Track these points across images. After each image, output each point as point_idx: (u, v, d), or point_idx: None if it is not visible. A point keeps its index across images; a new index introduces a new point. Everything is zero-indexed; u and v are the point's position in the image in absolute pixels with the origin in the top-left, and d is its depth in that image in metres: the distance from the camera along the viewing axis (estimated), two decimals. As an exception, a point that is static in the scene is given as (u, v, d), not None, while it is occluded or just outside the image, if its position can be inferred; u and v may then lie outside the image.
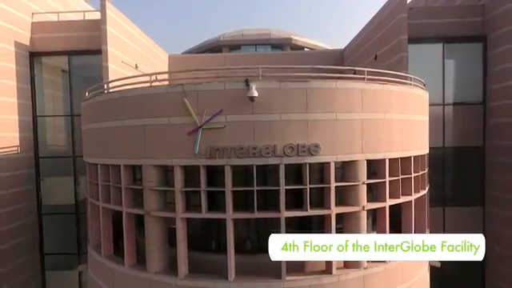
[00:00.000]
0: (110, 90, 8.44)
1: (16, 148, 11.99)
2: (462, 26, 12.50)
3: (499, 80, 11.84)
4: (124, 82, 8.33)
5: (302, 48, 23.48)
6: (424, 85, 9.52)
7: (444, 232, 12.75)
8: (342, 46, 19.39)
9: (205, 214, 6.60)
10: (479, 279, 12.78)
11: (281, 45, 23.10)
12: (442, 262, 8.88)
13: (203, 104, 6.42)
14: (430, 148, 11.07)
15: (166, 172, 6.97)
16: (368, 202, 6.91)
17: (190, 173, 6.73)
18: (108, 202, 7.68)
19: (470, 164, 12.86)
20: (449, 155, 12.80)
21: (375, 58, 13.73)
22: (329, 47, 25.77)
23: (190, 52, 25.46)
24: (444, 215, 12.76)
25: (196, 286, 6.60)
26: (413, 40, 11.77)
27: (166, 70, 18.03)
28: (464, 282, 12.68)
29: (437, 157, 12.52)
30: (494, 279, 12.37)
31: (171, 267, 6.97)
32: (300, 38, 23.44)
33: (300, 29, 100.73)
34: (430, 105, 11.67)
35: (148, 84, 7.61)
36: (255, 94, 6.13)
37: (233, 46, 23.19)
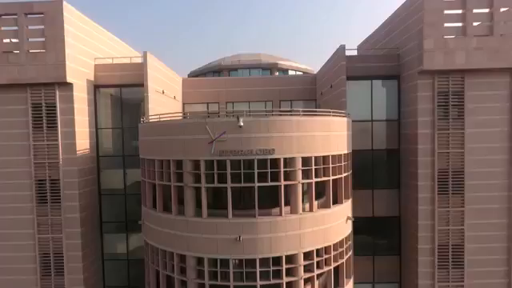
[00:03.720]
0: (150, 117, 14.66)
1: (87, 150, 18.10)
2: (384, 68, 18.74)
3: (407, 105, 18.00)
4: (171, 116, 14.50)
5: (286, 70, 29.64)
6: (347, 114, 15.62)
7: (373, 205, 19.11)
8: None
9: (216, 185, 12.73)
10: (396, 228, 18.90)
11: (270, 68, 29.25)
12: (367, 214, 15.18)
13: (215, 128, 12.51)
14: (362, 150, 17.48)
15: (195, 164, 13.06)
16: (302, 179, 13.05)
17: (208, 164, 12.83)
18: (161, 181, 13.81)
19: (390, 160, 19.07)
20: (376, 154, 19.01)
21: (331, 86, 19.91)
22: (309, 68, 31.94)
23: (195, 73, 31.61)
24: (373, 195, 19.01)
25: (211, 221, 12.76)
26: (351, 78, 17.92)
27: (181, 90, 24.05)
28: (385, 230, 18.93)
29: (368, 156, 18.86)
30: (407, 228, 18.57)
31: (197, 214, 13.10)
32: (285, 63, 29.58)
33: (292, 50, 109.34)
34: (362, 121, 18.13)
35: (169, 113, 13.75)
36: (242, 124, 12.24)
37: (231, 68, 29.36)
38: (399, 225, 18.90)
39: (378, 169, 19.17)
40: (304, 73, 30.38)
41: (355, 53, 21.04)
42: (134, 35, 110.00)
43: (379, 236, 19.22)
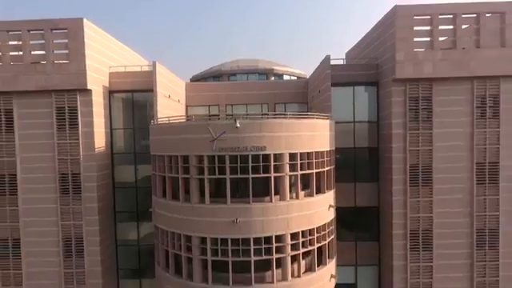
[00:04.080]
0: (158, 119, 17.15)
1: (103, 148, 20.56)
2: (365, 76, 21.21)
3: (384, 109, 20.46)
4: (178, 118, 16.97)
5: (282, 75, 32.08)
6: (330, 116, 18.07)
7: (355, 196, 21.56)
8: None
9: (217, 176, 15.19)
10: (375, 216, 21.38)
11: (266, 73, 31.69)
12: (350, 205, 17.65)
13: (216, 129, 14.96)
14: (346, 147, 19.93)
15: (199, 158, 15.51)
16: (289, 172, 15.50)
17: (210, 159, 15.28)
18: (170, 173, 16.26)
19: (370, 157, 21.53)
20: (358, 152, 21.47)
21: (319, 91, 22.34)
22: (303, 72, 34.37)
23: (197, 77, 34.04)
24: (355, 187, 21.47)
25: (213, 207, 15.23)
26: (335, 84, 20.31)
27: (184, 93, 26.41)
28: (366, 218, 21.38)
29: (351, 153, 21.33)
30: (384, 217, 21.03)
31: (201, 201, 15.56)
32: (280, 68, 32.04)
33: (291, 49, 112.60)
34: (345, 122, 20.52)
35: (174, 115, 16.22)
36: (238, 125, 14.68)
37: (230, 73, 31.80)
38: (378, 214, 21.38)
39: (359, 164, 21.63)
40: (298, 77, 32.76)
41: (340, 62, 23.39)
42: (134, 35, 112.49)
43: (361, 224, 21.69)
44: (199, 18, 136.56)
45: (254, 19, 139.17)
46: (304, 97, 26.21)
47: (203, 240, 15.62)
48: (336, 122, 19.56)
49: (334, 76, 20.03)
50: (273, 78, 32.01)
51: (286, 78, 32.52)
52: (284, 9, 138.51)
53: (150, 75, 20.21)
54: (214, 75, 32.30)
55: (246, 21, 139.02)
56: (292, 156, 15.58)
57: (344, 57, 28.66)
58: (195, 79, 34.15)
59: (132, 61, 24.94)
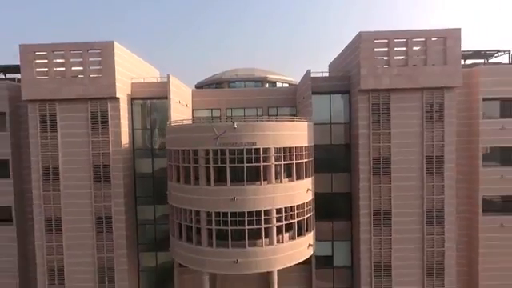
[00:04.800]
0: (173, 121, 22.00)
1: (127, 144, 25.36)
2: (340, 86, 26.04)
3: (353, 112, 25.25)
4: (187, 120, 21.82)
5: (275, 82, 36.82)
6: (308, 119, 22.90)
7: (332, 184, 26.36)
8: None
9: (219, 165, 20.03)
10: (348, 200, 26.20)
11: (261, 81, 36.44)
12: (328, 191, 22.52)
13: (219, 129, 19.79)
14: (324, 144, 24.74)
15: (206, 151, 20.34)
16: (275, 162, 20.32)
17: (214, 152, 20.09)
18: (183, 163, 21.10)
19: (344, 152, 26.35)
20: (333, 147, 26.30)
21: (303, 98, 27.14)
22: (293, 80, 39.07)
23: (201, 83, 38.81)
24: (332, 177, 26.29)
25: (216, 188, 20.07)
26: (315, 93, 25.07)
27: (190, 99, 31.12)
28: (340, 202, 26.16)
29: (328, 148, 26.16)
30: (354, 200, 25.82)
31: (207, 184, 20.38)
32: (273, 76, 36.79)
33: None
34: (324, 123, 25.34)
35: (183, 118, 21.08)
36: (236, 126, 19.50)
37: (230, 81, 36.57)
38: (350, 198, 26.19)
39: (335, 158, 26.46)
40: (289, 84, 37.39)
41: (323, 73, 28.05)
42: (133, 36, 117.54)
43: (337, 207, 26.49)
44: (199, 17, 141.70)
45: (252, 19, 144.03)
46: (293, 101, 30.90)
47: (209, 214, 20.45)
48: (316, 124, 24.46)
49: (314, 86, 24.84)
50: (267, 85, 36.65)
51: (278, 84, 37.18)
52: (281, 10, 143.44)
53: (164, 85, 24.98)
54: (216, 82, 37.00)
55: (243, 21, 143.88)
56: (277, 149, 20.41)
57: (328, 67, 33.46)
58: (199, 86, 38.86)
59: (148, 72, 29.77)
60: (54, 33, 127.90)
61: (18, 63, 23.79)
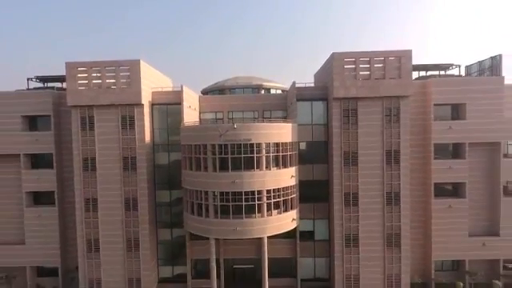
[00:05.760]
0: (185, 123, 28.38)
1: (149, 140, 31.64)
2: (320, 94, 32.31)
3: (330, 116, 31.54)
4: (197, 122, 28.22)
5: (269, 89, 43.05)
6: (293, 121, 29.23)
7: (313, 173, 32.69)
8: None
9: (223, 156, 26.36)
10: (326, 186, 32.50)
11: (257, 88, 42.67)
12: (310, 178, 28.80)
13: (222, 129, 26.08)
14: (307, 140, 31.16)
15: (213, 146, 26.66)
16: (265, 154, 26.63)
17: (219, 146, 26.40)
18: (195, 155, 27.44)
19: (323, 147, 32.65)
20: (315, 143, 32.59)
21: (291, 103, 33.45)
22: (285, 86, 45.33)
23: (206, 90, 45.08)
24: (313, 167, 32.60)
25: (221, 174, 26.40)
26: (300, 99, 31.39)
27: (198, 103, 37.32)
28: (320, 187, 32.45)
29: (310, 144, 32.49)
30: (330, 186, 32.13)
31: (214, 171, 26.71)
32: (268, 84, 42.99)
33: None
34: (307, 124, 31.82)
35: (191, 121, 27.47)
36: (235, 126, 25.82)
37: (231, 88, 42.80)
38: (328, 184, 32.48)
39: (316, 152, 32.74)
40: (282, 90, 43.54)
41: (307, 84, 34.29)
42: (133, 38, 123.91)
43: (317, 191, 32.72)
44: (200, 16, 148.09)
45: (251, 21, 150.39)
46: (284, 106, 37.08)
47: (214, 193, 26.76)
48: (300, 124, 30.78)
49: (298, 94, 31.21)
50: (263, 91, 42.77)
51: (272, 91, 43.30)
52: (281, 11, 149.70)
53: (178, 94, 31.29)
54: (219, 89, 43.12)
55: (243, 18, 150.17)
56: (267, 144, 26.73)
57: (313, 76, 39.75)
58: (204, 92, 44.98)
59: (164, 82, 36.13)
60: (53, 32, 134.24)
61: (56, 74, 30.39)
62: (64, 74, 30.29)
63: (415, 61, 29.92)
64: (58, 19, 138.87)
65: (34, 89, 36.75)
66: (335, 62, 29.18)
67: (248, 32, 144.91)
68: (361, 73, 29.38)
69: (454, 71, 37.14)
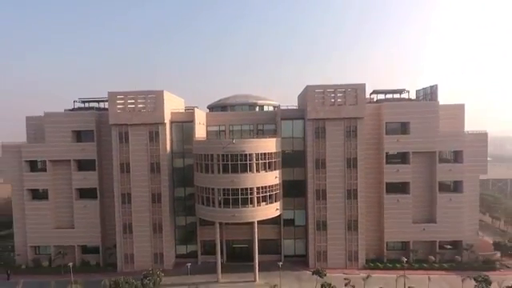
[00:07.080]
0: (197, 137, 38.66)
1: (169, 150, 41.85)
2: (299, 115, 42.41)
3: (305, 131, 41.58)
4: (204, 137, 38.52)
5: (263, 106, 53.13)
6: (277, 136, 39.39)
7: (293, 174, 42.94)
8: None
9: (225, 162, 36.53)
10: (304, 185, 42.67)
11: (252, 105, 52.72)
12: (291, 179, 39.04)
13: (224, 143, 36.21)
14: (289, 150, 41.53)
15: (217, 155, 36.79)
16: (256, 161, 36.77)
17: (222, 155, 36.54)
18: (205, 161, 37.62)
19: (300, 155, 42.74)
20: (295, 152, 42.75)
21: (277, 121, 43.57)
22: (276, 103, 55.42)
23: (210, 106, 55.20)
24: (293, 170, 42.77)
25: (223, 175, 36.57)
26: (283, 118, 41.62)
27: (205, 119, 47.42)
28: (299, 186, 42.64)
29: (291, 153, 42.77)
30: (306, 184, 42.30)
31: (218, 173, 36.87)
32: (262, 101, 53.04)
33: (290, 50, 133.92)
34: (289, 137, 42.31)
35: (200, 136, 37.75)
36: (234, 142, 35.98)
37: (231, 105, 52.90)
38: (304, 183, 42.55)
39: (296, 158, 42.82)
40: (274, 107, 53.50)
41: (292, 105, 44.34)
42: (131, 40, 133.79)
43: (296, 188, 42.78)
44: (200, 15, 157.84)
45: (252, 20, 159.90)
46: (274, 120, 47.19)
47: (218, 189, 36.92)
48: (283, 137, 40.96)
49: (282, 115, 41.43)
50: (257, 108, 52.79)
51: (265, 108, 53.35)
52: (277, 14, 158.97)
53: (191, 114, 41.53)
54: (221, 106, 53.06)
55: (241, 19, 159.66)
56: (257, 154, 36.86)
57: (297, 98, 49.84)
58: (210, 107, 55.01)
59: (179, 103, 46.31)
60: (54, 32, 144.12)
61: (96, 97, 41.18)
62: (98, 95, 42.09)
63: (383, 85, 39.99)
64: (57, 21, 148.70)
65: (79, 108, 47.09)
66: (308, 92, 39.30)
67: (245, 38, 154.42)
68: (328, 100, 39.44)
69: (406, 95, 47.13)
